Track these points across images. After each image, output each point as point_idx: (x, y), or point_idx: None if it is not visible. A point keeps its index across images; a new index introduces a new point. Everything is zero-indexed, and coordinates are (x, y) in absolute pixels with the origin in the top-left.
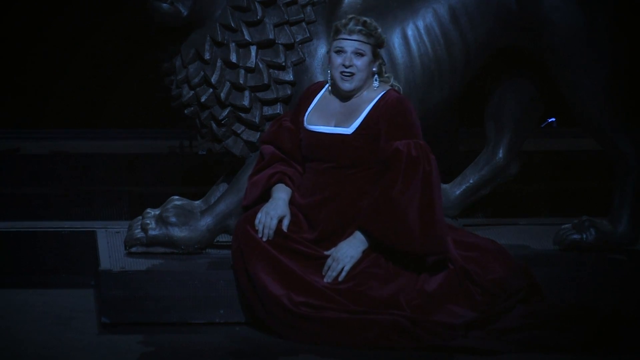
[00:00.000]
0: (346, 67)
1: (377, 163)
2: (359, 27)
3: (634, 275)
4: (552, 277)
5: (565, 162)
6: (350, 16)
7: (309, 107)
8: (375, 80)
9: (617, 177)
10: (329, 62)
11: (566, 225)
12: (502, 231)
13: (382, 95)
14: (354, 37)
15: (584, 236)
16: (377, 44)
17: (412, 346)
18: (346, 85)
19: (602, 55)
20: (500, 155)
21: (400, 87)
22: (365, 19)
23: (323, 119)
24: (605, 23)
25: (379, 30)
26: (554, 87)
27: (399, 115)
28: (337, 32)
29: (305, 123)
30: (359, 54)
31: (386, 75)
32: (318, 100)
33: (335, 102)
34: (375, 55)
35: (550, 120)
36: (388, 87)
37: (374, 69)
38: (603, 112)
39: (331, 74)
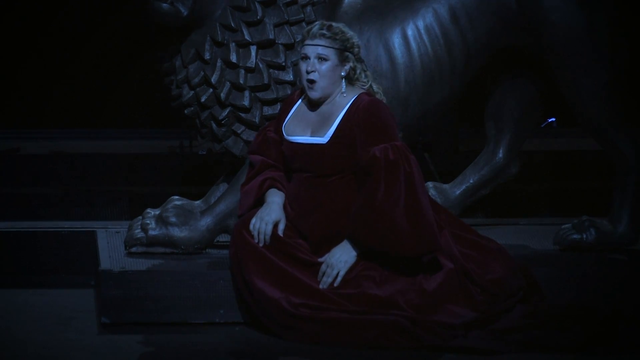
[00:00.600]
0: (308, 73)
1: (356, 170)
2: (321, 31)
3: (634, 275)
4: (552, 277)
5: (565, 162)
6: (318, 22)
7: (287, 116)
8: (343, 85)
9: (617, 177)
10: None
11: (566, 225)
12: (502, 231)
13: (353, 101)
14: (316, 41)
15: (584, 236)
16: (345, 48)
17: (412, 346)
18: (312, 94)
19: (602, 55)
20: (501, 155)
21: (382, 93)
22: (332, 23)
23: (300, 129)
24: (605, 23)
25: (349, 34)
26: (554, 87)
27: (372, 119)
28: (303, 38)
29: (284, 133)
30: (322, 58)
31: (364, 79)
32: (295, 108)
33: (310, 110)
34: (343, 60)
35: (550, 120)
36: (359, 91)
37: (342, 74)
38: (603, 112)
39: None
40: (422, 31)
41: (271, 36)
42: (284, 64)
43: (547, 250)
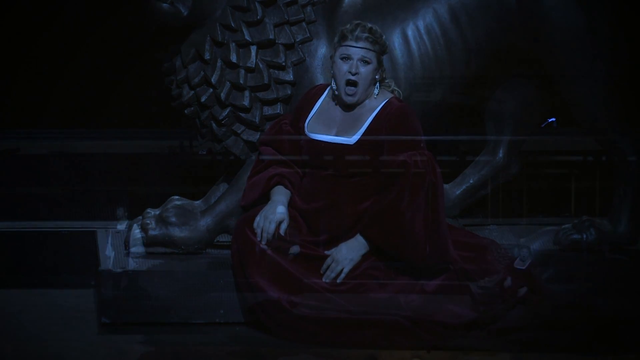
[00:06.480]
0: (352, 75)
1: (380, 174)
2: (365, 35)
3: (634, 275)
4: (552, 277)
5: (565, 162)
6: (356, 22)
7: (309, 113)
8: (376, 88)
9: (617, 177)
10: (332, 67)
11: (566, 225)
12: (502, 231)
13: (384, 105)
14: (361, 44)
15: (584, 236)
16: (382, 51)
17: (412, 346)
18: (349, 99)
19: (602, 56)
20: (500, 155)
21: (400, 92)
22: (370, 25)
23: (324, 127)
24: (605, 23)
25: (383, 37)
26: (553, 87)
27: (402, 125)
28: (344, 38)
29: (306, 130)
30: (365, 61)
31: (387, 81)
32: (319, 106)
33: (337, 110)
34: (380, 63)
35: (550, 120)
36: (390, 95)
37: (377, 77)
38: (602, 112)
39: (335, 81)
40: (422, 31)
41: (271, 36)
42: (284, 64)
43: (547, 250)
